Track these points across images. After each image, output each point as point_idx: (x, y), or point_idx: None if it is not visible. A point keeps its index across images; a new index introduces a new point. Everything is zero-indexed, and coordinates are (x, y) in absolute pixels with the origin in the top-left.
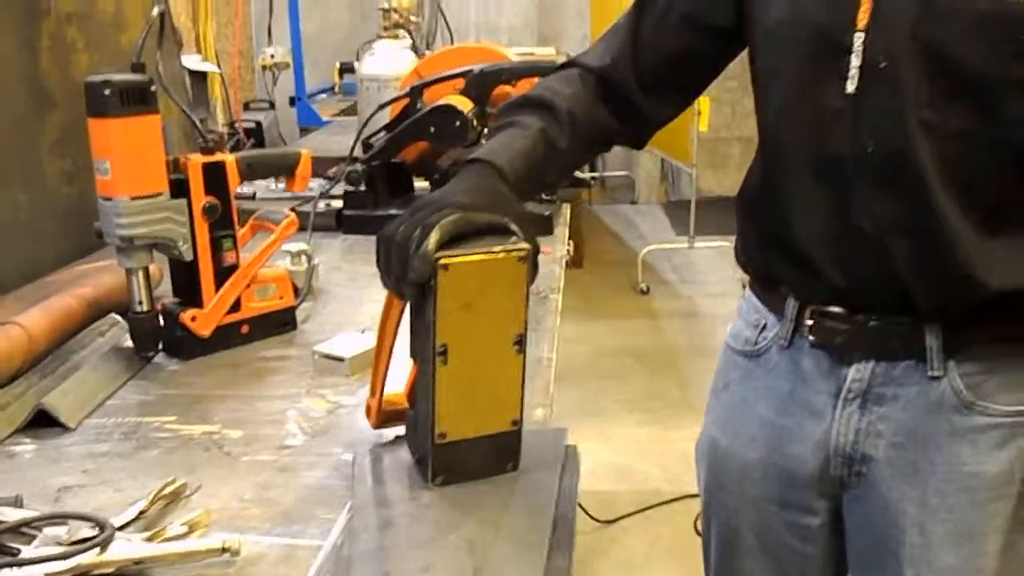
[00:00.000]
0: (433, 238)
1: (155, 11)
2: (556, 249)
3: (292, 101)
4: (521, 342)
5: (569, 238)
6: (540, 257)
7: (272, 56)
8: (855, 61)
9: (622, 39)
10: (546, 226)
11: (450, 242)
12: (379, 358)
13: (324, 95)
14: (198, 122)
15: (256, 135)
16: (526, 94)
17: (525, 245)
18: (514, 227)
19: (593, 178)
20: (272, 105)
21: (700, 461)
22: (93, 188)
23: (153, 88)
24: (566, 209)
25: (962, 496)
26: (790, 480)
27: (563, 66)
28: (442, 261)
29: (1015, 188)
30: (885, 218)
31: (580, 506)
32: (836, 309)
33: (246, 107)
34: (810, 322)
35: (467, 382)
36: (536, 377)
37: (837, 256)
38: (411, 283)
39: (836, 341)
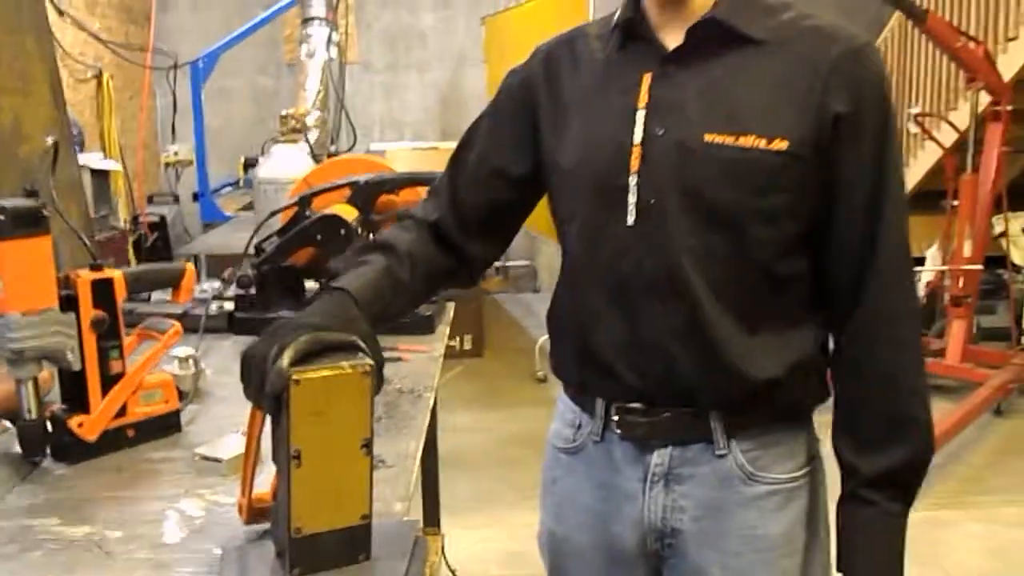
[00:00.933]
0: (287, 356)
1: (49, 140)
2: (435, 348)
3: (196, 196)
4: (368, 445)
5: (469, 331)
6: (418, 355)
7: (175, 153)
8: (631, 199)
9: (443, 196)
10: (427, 326)
11: (303, 359)
12: (247, 460)
13: (229, 188)
14: (86, 240)
15: (160, 229)
16: (370, 242)
17: (369, 361)
18: (361, 344)
19: (496, 268)
20: (176, 199)
21: (542, 551)
22: None
23: (45, 212)
24: (450, 308)
25: (755, 556)
26: (617, 559)
27: (400, 218)
28: (294, 376)
29: (765, 296)
30: (666, 328)
31: None
32: (636, 405)
33: (150, 200)
34: (616, 418)
35: (319, 482)
36: (401, 473)
37: (631, 362)
38: (267, 396)
39: (638, 433)
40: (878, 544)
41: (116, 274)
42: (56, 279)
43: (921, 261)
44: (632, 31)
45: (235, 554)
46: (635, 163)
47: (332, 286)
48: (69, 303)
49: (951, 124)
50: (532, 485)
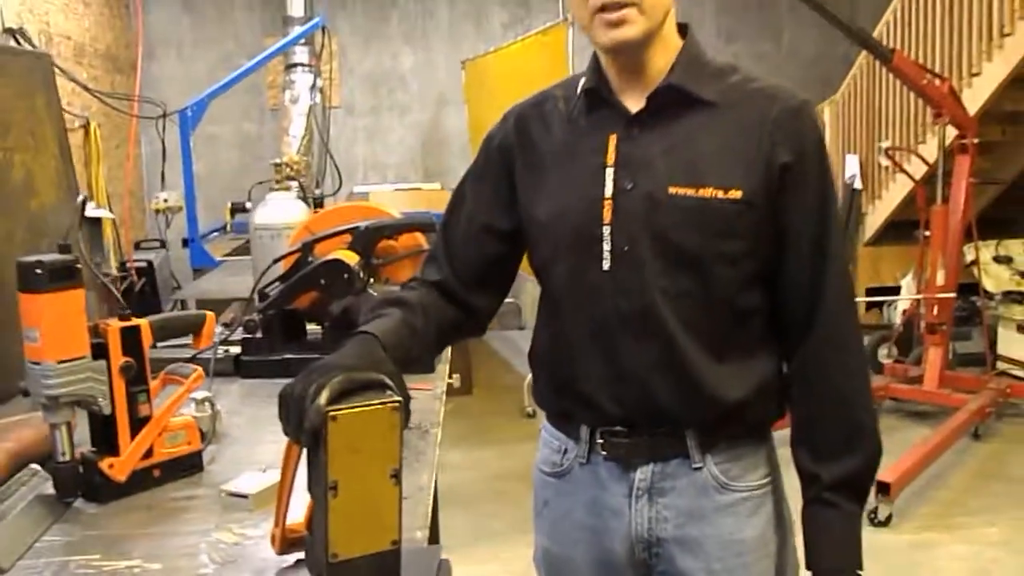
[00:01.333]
0: (324, 395)
1: (79, 199)
2: (437, 386)
3: (185, 242)
4: (397, 475)
5: (456, 369)
6: (422, 394)
7: (165, 200)
8: (606, 247)
9: (441, 257)
10: (428, 365)
11: (338, 397)
12: (282, 493)
13: (216, 234)
14: (117, 292)
15: (147, 275)
16: (385, 298)
17: (398, 398)
18: (390, 383)
19: None
20: (163, 244)
21: (539, 570)
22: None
23: (78, 265)
24: (448, 347)
25: (734, 560)
26: (610, 570)
27: (407, 282)
28: (331, 413)
29: (730, 329)
30: (644, 360)
31: None
32: (619, 428)
33: (137, 246)
34: (600, 441)
35: (354, 510)
36: (418, 504)
37: (611, 393)
38: (307, 432)
39: (622, 453)
40: (842, 541)
41: (143, 323)
42: (87, 328)
43: (897, 290)
44: (597, 96)
45: None
46: (608, 215)
47: (359, 331)
48: (100, 351)
49: (920, 157)
50: (525, 519)
